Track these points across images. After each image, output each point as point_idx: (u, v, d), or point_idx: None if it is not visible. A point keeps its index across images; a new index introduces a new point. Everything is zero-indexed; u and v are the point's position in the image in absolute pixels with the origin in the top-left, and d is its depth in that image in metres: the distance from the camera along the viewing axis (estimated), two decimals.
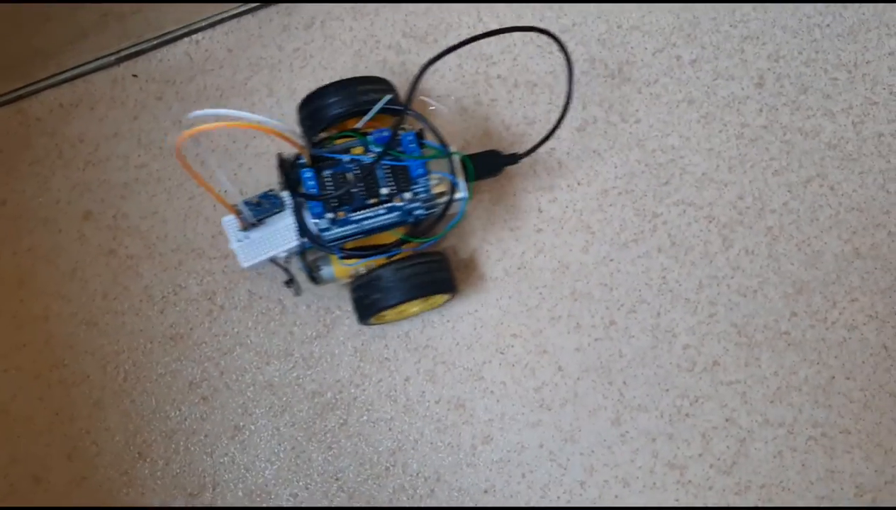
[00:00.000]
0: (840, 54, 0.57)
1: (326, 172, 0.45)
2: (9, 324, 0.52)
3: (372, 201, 0.45)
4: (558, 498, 0.49)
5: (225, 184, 0.42)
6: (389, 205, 0.46)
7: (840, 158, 0.56)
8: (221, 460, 0.51)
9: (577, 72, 0.56)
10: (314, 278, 0.48)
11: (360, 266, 0.48)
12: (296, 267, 0.49)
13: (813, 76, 0.57)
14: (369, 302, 0.48)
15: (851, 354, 0.53)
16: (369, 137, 0.46)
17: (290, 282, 0.50)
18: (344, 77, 0.50)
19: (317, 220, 0.45)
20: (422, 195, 0.46)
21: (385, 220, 0.46)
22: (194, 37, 0.56)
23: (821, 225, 0.54)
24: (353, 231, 0.46)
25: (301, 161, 0.45)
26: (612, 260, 0.53)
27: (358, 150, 0.46)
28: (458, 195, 0.47)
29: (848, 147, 0.56)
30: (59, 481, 0.50)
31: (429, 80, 0.56)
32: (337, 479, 0.50)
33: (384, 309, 0.47)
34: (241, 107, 0.55)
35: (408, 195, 0.46)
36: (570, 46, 0.57)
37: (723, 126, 0.56)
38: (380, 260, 0.48)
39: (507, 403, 0.51)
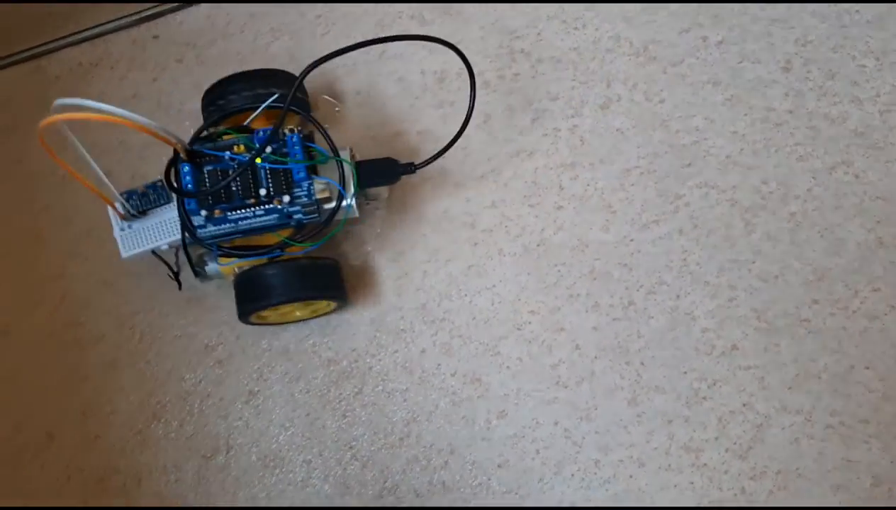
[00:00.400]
0: (868, 41, 0.57)
1: (207, 168, 0.45)
2: (25, 283, 0.52)
3: (250, 201, 0.45)
4: (572, 475, 0.49)
5: (99, 173, 0.41)
6: (268, 206, 0.45)
7: (866, 146, 0.55)
8: (236, 424, 0.51)
9: (602, 49, 0.56)
10: (197, 272, 0.48)
11: (240, 264, 0.47)
12: (182, 260, 0.48)
13: (840, 62, 0.56)
14: (247, 301, 0.47)
15: (872, 344, 0.52)
16: (254, 136, 0.46)
17: (175, 275, 0.49)
18: (259, 67, 0.50)
19: (193, 217, 0.44)
20: (302, 199, 0.45)
21: (263, 221, 0.45)
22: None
23: (845, 212, 0.54)
24: (228, 230, 0.45)
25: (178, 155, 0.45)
26: (632, 240, 0.52)
27: (240, 148, 0.45)
28: (343, 202, 0.46)
29: (874, 135, 0.55)
30: (73, 439, 0.50)
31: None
32: (351, 447, 0.50)
33: (261, 309, 0.47)
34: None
35: (287, 198, 0.45)
36: (596, 23, 0.56)
37: (748, 109, 0.55)
38: (263, 259, 0.47)
39: (523, 379, 0.51)
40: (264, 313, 0.48)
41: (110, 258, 0.52)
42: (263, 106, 0.46)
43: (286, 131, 0.46)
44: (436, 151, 0.48)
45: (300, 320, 0.51)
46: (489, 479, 0.49)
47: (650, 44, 0.56)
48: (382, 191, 0.50)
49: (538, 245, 0.53)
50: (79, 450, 0.50)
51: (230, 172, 0.44)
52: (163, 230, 0.46)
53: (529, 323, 0.52)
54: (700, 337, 0.51)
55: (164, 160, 0.45)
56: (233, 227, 0.45)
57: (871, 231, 0.54)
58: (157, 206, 0.46)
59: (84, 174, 0.42)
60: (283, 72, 0.50)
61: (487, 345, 0.51)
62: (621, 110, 0.55)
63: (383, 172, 0.48)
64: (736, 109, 0.55)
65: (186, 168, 0.44)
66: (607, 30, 0.56)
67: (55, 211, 0.53)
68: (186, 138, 0.45)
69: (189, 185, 0.44)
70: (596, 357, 0.51)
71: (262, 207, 0.45)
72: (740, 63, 0.56)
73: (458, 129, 0.48)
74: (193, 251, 0.47)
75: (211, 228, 0.45)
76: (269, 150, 0.45)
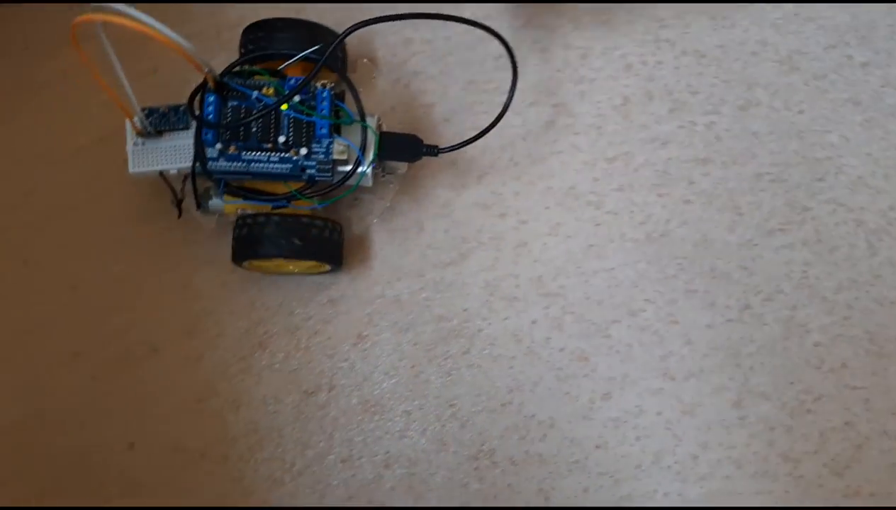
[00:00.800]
0: None
1: (232, 103, 0.45)
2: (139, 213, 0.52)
3: (267, 146, 0.45)
4: (669, 467, 0.49)
5: (124, 82, 0.41)
6: (284, 155, 0.45)
7: None
8: (341, 365, 0.51)
9: (747, 52, 0.56)
10: (200, 205, 0.48)
11: (244, 206, 0.47)
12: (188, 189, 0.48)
13: None
14: (245, 245, 0.47)
15: None
16: (285, 82, 0.46)
17: (177, 202, 0.49)
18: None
19: (207, 148, 0.44)
20: (319, 156, 0.45)
21: (275, 168, 0.45)
22: None
23: None
24: (239, 169, 0.45)
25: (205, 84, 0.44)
26: (755, 244, 0.52)
27: (269, 91, 0.45)
28: (359, 169, 0.46)
29: None
30: (176, 355, 0.50)
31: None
32: (451, 405, 0.50)
33: (256, 258, 0.47)
34: None
35: (304, 151, 0.45)
36: (745, 25, 0.56)
37: (884, 134, 0.55)
38: (268, 207, 0.47)
39: (631, 365, 0.51)
40: (258, 262, 0.48)
41: None
42: (301, 54, 0.46)
43: (318, 85, 0.46)
44: (466, 138, 0.48)
45: (292, 274, 0.51)
46: (586, 458, 0.49)
47: (795, 54, 0.56)
48: (401, 166, 0.50)
49: (661, 235, 0.52)
50: (181, 368, 0.50)
51: (254, 112, 0.45)
52: (175, 155, 0.46)
53: (644, 311, 0.52)
54: (811, 350, 0.51)
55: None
56: (244, 167, 0.45)
57: None
58: (175, 130, 0.46)
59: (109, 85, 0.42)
60: (330, 29, 0.50)
61: (599, 326, 0.51)
62: (760, 115, 0.55)
63: (406, 148, 0.48)
64: (872, 131, 0.55)
65: (212, 98, 0.44)
66: (755, 33, 0.56)
67: None
68: (219, 70, 0.45)
69: (211, 116, 0.44)
70: (706, 354, 0.51)
71: (277, 154, 0.45)
72: (882, 87, 0.56)
73: (495, 117, 0.48)
74: (201, 183, 0.47)
75: (223, 163, 0.45)
76: (297, 99, 0.45)
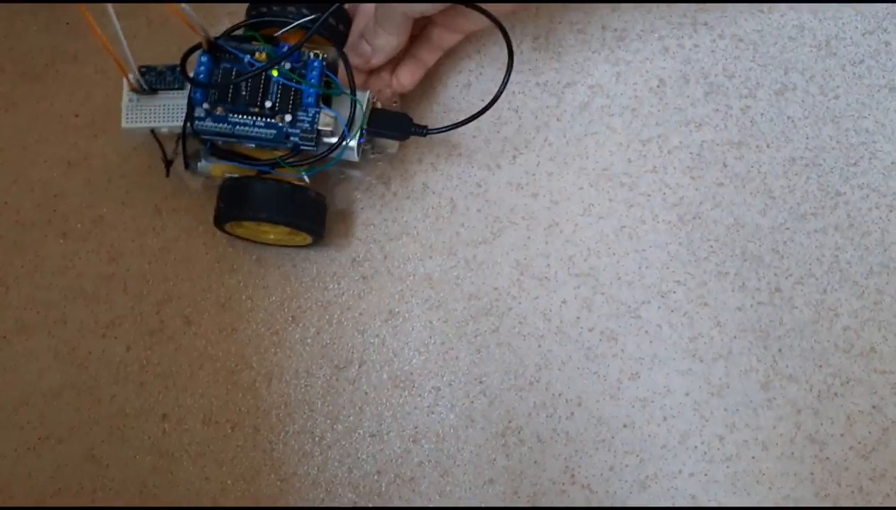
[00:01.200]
0: None
1: (224, 65, 0.45)
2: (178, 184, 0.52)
3: (254, 110, 0.45)
4: (696, 447, 0.49)
5: (121, 38, 0.41)
6: (269, 120, 0.45)
7: None
8: (372, 340, 0.51)
9: (785, 36, 0.55)
10: (188, 165, 0.48)
11: (231, 169, 0.48)
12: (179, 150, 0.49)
13: None
14: (229, 207, 0.47)
15: None
16: (278, 48, 0.46)
17: (166, 162, 0.49)
18: None
19: (195, 108, 0.45)
20: (304, 125, 0.45)
21: (258, 133, 0.45)
22: None
23: None
24: (225, 131, 0.45)
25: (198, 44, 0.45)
26: (787, 228, 0.52)
27: (262, 56, 0.45)
28: (343, 142, 0.46)
29: None
30: (210, 327, 0.51)
31: None
32: (480, 382, 0.50)
33: (240, 219, 0.47)
34: None
35: (289, 118, 0.45)
36: (783, 9, 0.56)
37: None
38: (254, 172, 0.47)
39: (660, 346, 0.51)
40: (243, 225, 0.48)
41: None
42: (297, 22, 0.46)
43: (311, 54, 0.46)
44: (455, 121, 0.48)
45: (271, 244, 0.51)
46: (613, 437, 0.50)
47: (833, 39, 0.55)
48: (391, 145, 0.50)
49: (694, 218, 0.53)
50: (214, 340, 0.51)
51: (244, 75, 0.45)
52: (168, 113, 0.46)
53: (674, 292, 0.52)
54: (841, 334, 0.51)
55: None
56: (229, 129, 0.45)
57: None
58: (170, 89, 0.46)
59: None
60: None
61: (629, 307, 0.52)
62: (795, 99, 0.54)
63: (395, 126, 0.48)
64: None
65: (204, 58, 0.45)
66: (792, 18, 0.55)
67: None
68: (218, 32, 0.46)
69: (201, 76, 0.45)
70: (735, 337, 0.51)
71: (263, 119, 0.45)
72: None
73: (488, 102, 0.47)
74: (193, 144, 0.48)
75: (209, 124, 0.45)
76: (287, 66, 0.45)
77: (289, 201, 0.47)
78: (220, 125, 0.46)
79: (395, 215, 0.53)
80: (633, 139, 0.54)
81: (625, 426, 0.50)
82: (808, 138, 0.54)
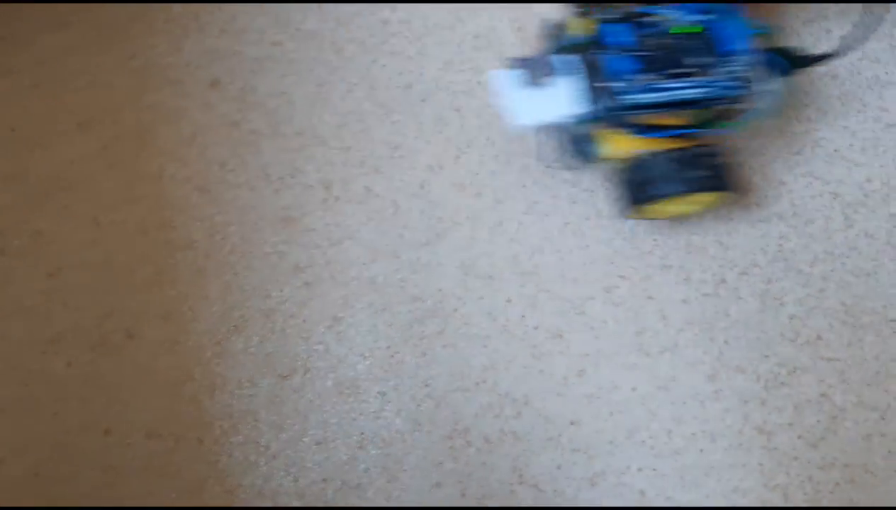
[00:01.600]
0: None
1: (641, 32, 0.42)
2: (123, 178, 0.52)
3: (679, 71, 0.42)
4: (643, 442, 0.49)
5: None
6: (698, 78, 0.42)
7: None
8: (316, 347, 0.51)
9: None
10: (585, 153, 0.46)
11: (640, 144, 0.44)
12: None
13: None
14: (642, 189, 0.45)
15: None
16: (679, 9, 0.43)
17: (575, 153, 0.47)
18: None
19: (616, 82, 0.42)
20: (735, 73, 0.42)
21: (688, 94, 0.42)
22: None
23: None
24: (651, 101, 0.42)
25: (609, 15, 0.42)
26: (731, 219, 0.52)
27: (662, 18, 0.43)
28: (769, 87, 0.43)
29: None
30: (152, 340, 0.50)
31: None
32: (426, 385, 0.50)
33: (656, 198, 0.45)
34: None
35: (723, 69, 0.42)
36: None
37: (862, 106, 0.55)
38: (652, 146, 0.44)
39: (606, 341, 0.51)
40: (655, 204, 0.46)
41: (210, 166, 0.52)
42: None
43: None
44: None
45: (678, 215, 0.49)
46: (560, 435, 0.49)
47: None
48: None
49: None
50: (157, 353, 0.50)
51: (663, 41, 0.42)
52: (561, 102, 0.43)
53: (618, 287, 0.51)
54: (786, 323, 0.51)
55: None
56: (654, 99, 0.42)
57: None
58: (562, 76, 0.43)
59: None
60: None
61: (574, 303, 0.51)
62: None
63: (792, 60, 0.45)
64: (850, 105, 0.55)
65: (622, 28, 0.42)
66: None
67: (161, 111, 0.52)
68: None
69: (623, 45, 0.42)
70: (681, 329, 0.51)
71: (691, 78, 0.42)
72: (860, 60, 0.56)
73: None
74: (574, 130, 0.46)
75: (632, 96, 0.42)
76: (690, 19, 0.43)
77: (696, 165, 0.44)
78: (649, 96, 0.42)
79: (338, 219, 0.52)
80: None
81: (572, 423, 0.50)
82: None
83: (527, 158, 0.53)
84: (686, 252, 0.52)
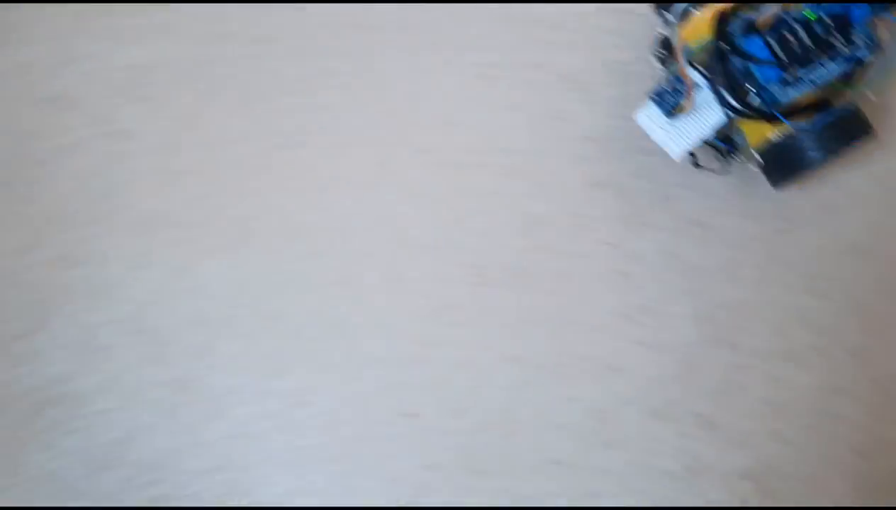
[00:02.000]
0: None
1: (769, 35, 0.44)
2: None
3: (818, 53, 0.44)
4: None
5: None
6: (837, 56, 0.44)
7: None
8: None
9: None
10: (732, 151, 0.46)
11: (780, 127, 0.45)
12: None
13: None
14: (791, 166, 0.45)
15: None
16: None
17: (727, 155, 0.47)
18: None
19: (769, 86, 0.43)
20: (863, 38, 0.44)
21: (832, 72, 0.44)
22: None
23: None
24: (804, 89, 0.44)
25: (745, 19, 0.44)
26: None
27: (788, 6, 0.44)
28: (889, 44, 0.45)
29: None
30: None
31: None
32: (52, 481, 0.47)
33: (807, 169, 0.45)
34: None
35: (858, 40, 0.44)
36: None
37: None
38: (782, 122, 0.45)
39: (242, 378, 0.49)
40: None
41: None
42: None
43: None
44: None
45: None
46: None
47: None
48: None
49: None
50: None
51: (794, 33, 0.43)
52: (705, 117, 0.44)
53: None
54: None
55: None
56: (806, 87, 0.44)
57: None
58: (698, 91, 0.44)
59: None
60: None
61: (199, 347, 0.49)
62: None
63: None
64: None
65: (753, 39, 0.43)
66: None
67: None
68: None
69: (759, 55, 0.43)
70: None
71: (828, 56, 0.44)
72: None
73: None
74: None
75: (788, 92, 0.44)
76: None
77: (831, 126, 0.44)
78: (798, 88, 0.44)
79: None
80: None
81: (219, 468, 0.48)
82: None
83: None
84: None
